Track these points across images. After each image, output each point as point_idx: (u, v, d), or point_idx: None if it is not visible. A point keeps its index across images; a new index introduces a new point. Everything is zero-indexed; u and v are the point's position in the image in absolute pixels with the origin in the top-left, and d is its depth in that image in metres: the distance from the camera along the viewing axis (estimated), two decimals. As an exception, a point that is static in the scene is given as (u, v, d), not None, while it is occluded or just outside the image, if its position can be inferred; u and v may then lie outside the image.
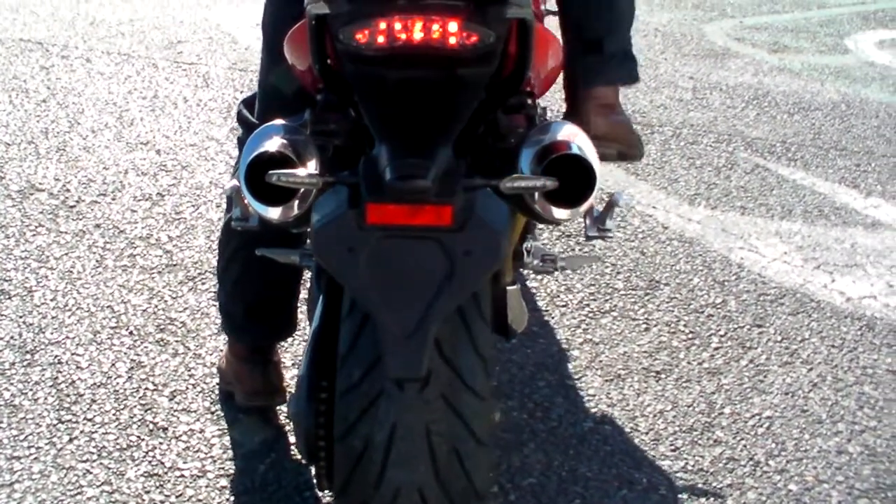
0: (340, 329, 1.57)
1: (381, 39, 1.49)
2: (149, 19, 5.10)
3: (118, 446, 2.25)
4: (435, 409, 1.51)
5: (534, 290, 2.89)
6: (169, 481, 2.15)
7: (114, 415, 2.35)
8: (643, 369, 2.58)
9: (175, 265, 2.94)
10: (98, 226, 3.13)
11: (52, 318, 2.69)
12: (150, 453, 2.23)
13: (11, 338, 2.60)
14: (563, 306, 2.83)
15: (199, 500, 2.11)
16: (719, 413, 2.44)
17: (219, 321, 2.62)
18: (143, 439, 2.27)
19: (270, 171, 1.45)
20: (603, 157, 2.17)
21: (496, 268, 1.52)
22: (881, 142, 4.11)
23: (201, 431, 2.31)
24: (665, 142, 3.96)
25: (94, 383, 2.45)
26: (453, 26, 1.48)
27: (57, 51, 4.59)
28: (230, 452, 2.25)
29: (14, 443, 2.25)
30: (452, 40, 1.49)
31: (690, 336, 2.73)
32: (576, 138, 1.56)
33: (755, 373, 2.59)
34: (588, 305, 2.84)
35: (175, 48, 4.72)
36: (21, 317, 2.68)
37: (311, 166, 1.53)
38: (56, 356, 2.53)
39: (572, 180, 1.51)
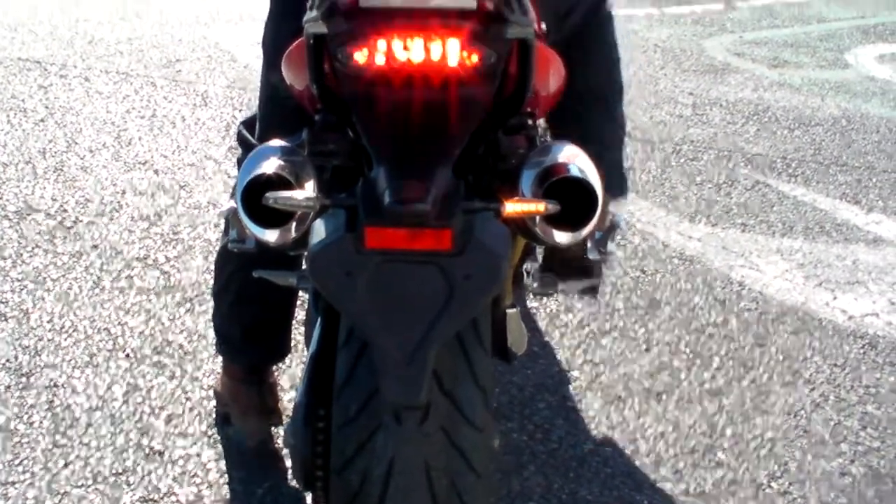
0: (337, 359, 1.55)
1: (380, 59, 1.48)
2: (147, 38, 5.10)
3: (114, 471, 2.23)
4: (434, 442, 1.49)
5: (533, 311, 2.87)
6: (165, 507, 2.14)
7: (110, 439, 2.32)
8: (644, 390, 2.56)
9: (172, 286, 2.92)
10: (95, 246, 3.12)
11: (49, 340, 2.67)
12: (146, 478, 2.21)
13: (7, 360, 2.58)
14: (563, 326, 2.81)
15: (196, 526, 2.09)
16: (721, 434, 2.41)
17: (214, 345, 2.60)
18: (138, 464, 2.25)
19: (267, 194, 1.43)
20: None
21: (496, 292, 1.49)
22: (882, 157, 4.10)
23: (198, 455, 2.29)
24: (665, 158, 3.95)
25: (90, 407, 2.43)
26: (454, 46, 1.47)
27: (55, 70, 4.59)
28: (227, 477, 2.22)
29: (9, 468, 2.23)
30: (453, 60, 1.47)
31: (691, 356, 2.70)
32: (577, 160, 1.53)
33: (757, 393, 2.57)
34: (588, 325, 2.82)
35: (174, 67, 4.72)
36: (17, 339, 2.66)
37: (309, 188, 1.51)
38: (52, 379, 2.51)
39: (574, 203, 1.49)
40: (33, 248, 3.10)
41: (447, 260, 1.39)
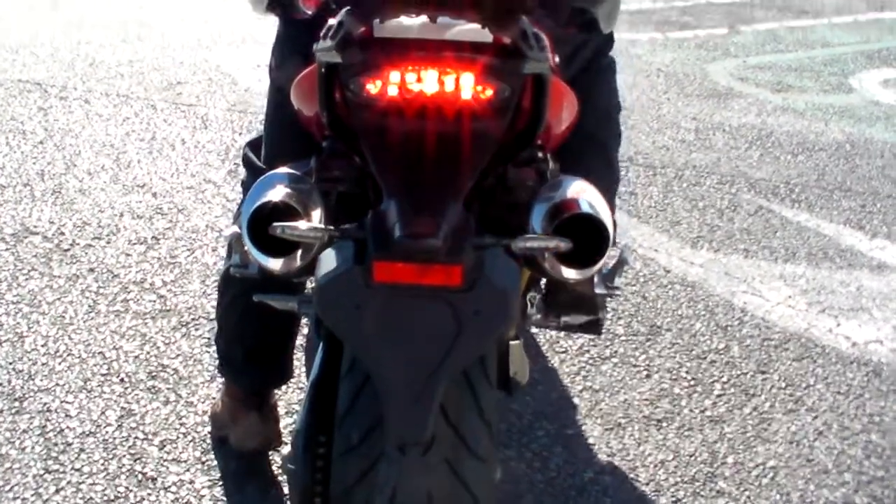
0: (340, 387, 1.52)
1: (393, 90, 1.46)
2: (148, 60, 5.09)
3: (105, 498, 2.19)
4: (437, 474, 1.46)
5: (533, 335, 2.83)
6: (156, 535, 2.10)
7: (102, 465, 2.29)
8: (644, 417, 2.52)
9: (168, 310, 2.89)
10: (92, 270, 3.09)
11: (43, 364, 2.64)
12: (138, 505, 2.18)
13: (0, 385, 2.55)
14: (563, 352, 2.78)
15: (187, 555, 2.06)
16: (722, 463, 2.38)
17: (211, 368, 2.58)
18: (131, 490, 2.22)
19: (275, 224, 1.42)
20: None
21: (506, 329, 1.47)
22: (886, 182, 4.07)
23: (191, 482, 2.25)
24: (667, 184, 3.92)
25: (83, 432, 2.40)
26: (468, 79, 1.45)
27: (55, 92, 4.58)
28: (220, 504, 2.20)
29: (-1, 494, 2.20)
30: (467, 93, 1.46)
31: (692, 383, 2.67)
32: (588, 196, 1.51)
33: (759, 421, 2.53)
34: (588, 352, 2.79)
35: (174, 89, 4.70)
36: (11, 363, 2.63)
37: (316, 216, 1.50)
38: (45, 404, 2.49)
39: (584, 239, 1.46)
40: (29, 271, 3.07)
41: (457, 296, 1.37)
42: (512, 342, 1.85)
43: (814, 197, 3.88)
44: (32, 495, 2.19)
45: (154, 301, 2.94)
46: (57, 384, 2.56)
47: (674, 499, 2.25)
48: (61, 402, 2.50)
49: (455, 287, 1.36)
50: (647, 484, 2.30)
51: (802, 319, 3.00)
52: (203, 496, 2.21)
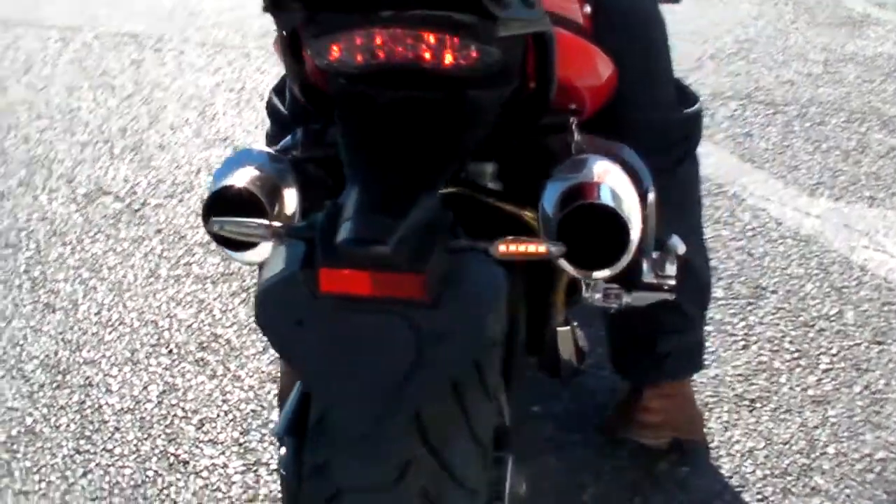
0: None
1: (354, 57, 1.25)
2: (250, 6, 4.92)
3: (132, 482, 2.05)
4: None
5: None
6: (177, 528, 1.94)
7: (135, 445, 2.15)
8: (735, 396, 2.22)
9: (230, 274, 2.73)
10: (159, 231, 2.95)
11: (93, 334, 2.51)
12: (165, 491, 2.03)
13: (47, 356, 2.43)
14: (650, 319, 2.49)
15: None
16: (822, 453, 2.06)
17: (264, 339, 2.40)
18: (160, 475, 2.07)
19: (213, 219, 1.22)
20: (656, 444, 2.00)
21: (478, 351, 1.19)
22: None
23: (224, 466, 2.09)
24: (788, 123, 3.54)
25: (121, 408, 2.26)
26: (445, 41, 1.22)
27: (151, 44, 4.45)
28: (249, 493, 2.01)
29: (25, 476, 2.08)
30: (445, 58, 1.22)
31: (796, 355, 2.35)
32: (611, 180, 1.28)
33: (870, 402, 2.20)
34: (678, 318, 2.49)
35: (271, 36, 4.50)
36: (61, 333, 2.51)
37: (291, 199, 1.33)
38: (87, 377, 2.35)
39: (604, 231, 1.23)
40: (95, 234, 2.95)
41: (418, 312, 1.10)
42: (560, 328, 1.64)
43: (957, 136, 3.45)
44: (58, 478, 2.07)
45: (217, 264, 2.78)
46: (103, 356, 2.43)
47: (759, 496, 1.96)
48: (105, 375, 2.36)
49: (416, 301, 1.10)
50: (731, 477, 2.01)
51: (932, 279, 2.63)
52: (234, 482, 2.04)
